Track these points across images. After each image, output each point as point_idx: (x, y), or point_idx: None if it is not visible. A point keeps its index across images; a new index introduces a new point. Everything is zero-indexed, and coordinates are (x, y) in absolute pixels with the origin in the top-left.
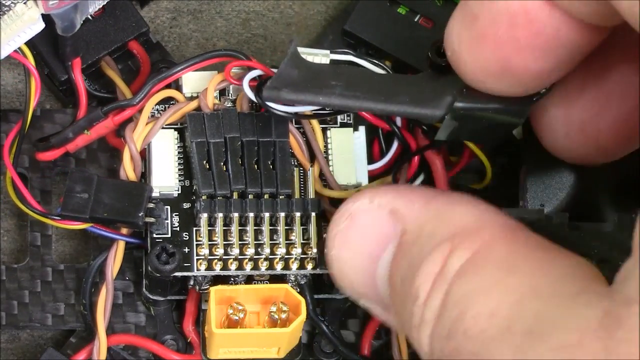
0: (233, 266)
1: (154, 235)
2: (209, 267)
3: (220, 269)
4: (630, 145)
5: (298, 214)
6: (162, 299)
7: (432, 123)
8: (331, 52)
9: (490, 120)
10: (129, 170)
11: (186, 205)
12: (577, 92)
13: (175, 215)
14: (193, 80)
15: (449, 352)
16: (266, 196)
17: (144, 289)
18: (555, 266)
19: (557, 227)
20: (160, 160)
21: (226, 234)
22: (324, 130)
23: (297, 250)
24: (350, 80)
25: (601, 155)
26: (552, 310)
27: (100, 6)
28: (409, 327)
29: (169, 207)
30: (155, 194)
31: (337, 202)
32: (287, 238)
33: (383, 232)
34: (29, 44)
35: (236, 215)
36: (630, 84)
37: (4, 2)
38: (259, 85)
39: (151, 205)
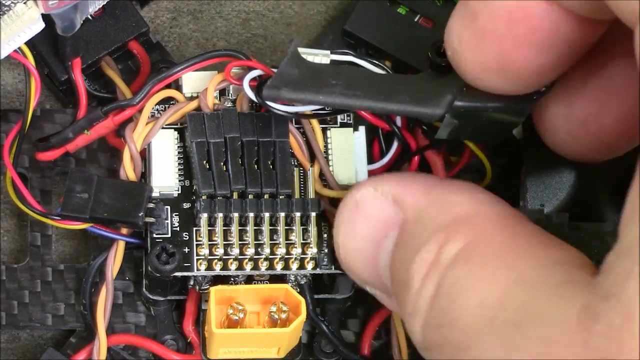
0: (233, 266)
1: (154, 235)
2: (209, 267)
3: (220, 269)
4: (633, 141)
5: (298, 214)
6: (162, 299)
7: (432, 122)
8: (331, 53)
9: (491, 119)
10: (129, 170)
11: (186, 205)
12: (578, 89)
13: (175, 215)
14: (193, 80)
15: (440, 341)
16: (266, 196)
17: (144, 289)
18: (544, 256)
19: (557, 227)
20: (160, 160)
21: (226, 234)
22: (324, 130)
23: (297, 250)
24: (350, 79)
25: (604, 151)
26: (536, 301)
27: (100, 6)
28: (403, 314)
29: (169, 207)
30: (155, 194)
31: (337, 202)
32: (287, 238)
33: (386, 219)
34: (29, 44)
35: (236, 215)
36: (631, 79)
37: (4, 2)
38: (259, 84)
39: (151, 205)
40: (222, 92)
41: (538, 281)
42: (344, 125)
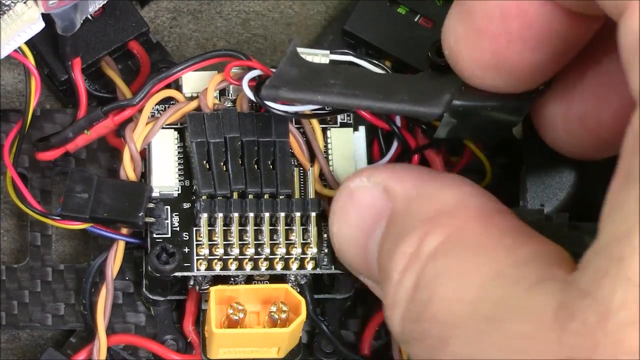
0: (233, 266)
1: (154, 235)
2: (209, 267)
3: (220, 269)
4: None
5: (298, 214)
6: (162, 299)
7: (431, 121)
8: (331, 53)
9: (490, 118)
10: (129, 170)
11: (186, 205)
12: (575, 86)
13: (175, 215)
14: (193, 80)
15: (418, 335)
16: (266, 196)
17: (144, 289)
18: (523, 251)
19: (557, 227)
20: (160, 160)
21: (226, 234)
22: (324, 130)
23: (297, 250)
24: (349, 79)
25: (603, 148)
26: (512, 297)
27: (100, 6)
28: (384, 305)
29: (169, 207)
30: (155, 194)
31: None
32: (287, 238)
33: (377, 209)
34: (28, 43)
35: (236, 215)
36: None
37: (4, 1)
38: (257, 84)
39: (151, 205)
40: (222, 92)
41: (516, 277)
42: (344, 125)
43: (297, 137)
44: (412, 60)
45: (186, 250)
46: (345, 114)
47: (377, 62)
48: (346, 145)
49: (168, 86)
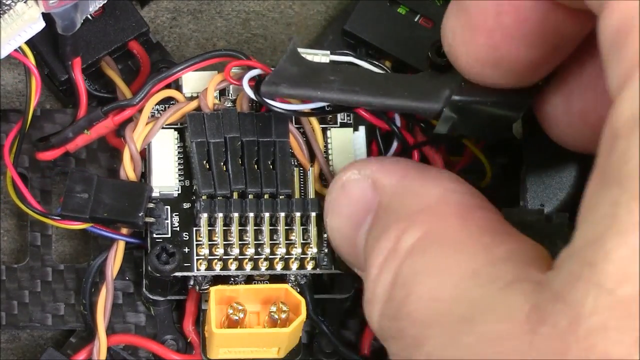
0: (233, 266)
1: (154, 235)
2: (209, 267)
3: (220, 269)
4: None
5: (298, 214)
6: (162, 299)
7: (431, 117)
8: (331, 53)
9: (489, 114)
10: (129, 170)
11: (186, 205)
12: (575, 81)
13: (175, 215)
14: (193, 80)
15: (395, 333)
16: (266, 196)
17: (144, 289)
18: (500, 249)
19: (557, 227)
20: (160, 160)
21: (226, 234)
22: (324, 130)
23: (297, 250)
24: (348, 76)
25: None
26: (487, 296)
27: (100, 5)
28: (363, 300)
29: (169, 207)
30: (155, 194)
31: None
32: (287, 238)
33: (366, 202)
34: (28, 43)
35: (236, 215)
36: None
37: (4, 1)
38: (257, 83)
39: (151, 205)
40: (222, 92)
41: (491, 276)
42: (344, 125)
43: (297, 137)
44: (412, 60)
45: (186, 250)
46: (345, 114)
47: (377, 63)
48: (346, 145)
49: (168, 86)
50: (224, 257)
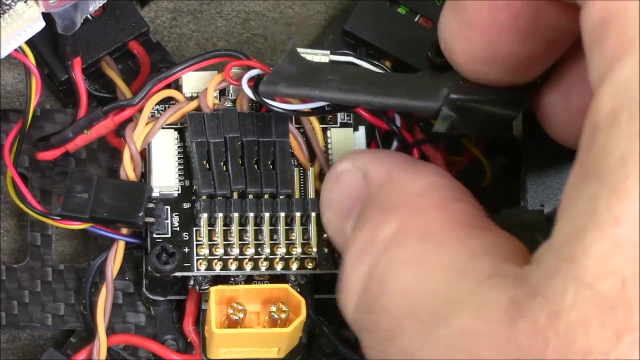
0: (233, 266)
1: (154, 235)
2: (209, 267)
3: (220, 269)
4: None
5: (298, 214)
6: (162, 299)
7: (429, 116)
8: (331, 53)
9: (488, 113)
10: (129, 170)
11: (186, 205)
12: (574, 76)
13: (175, 215)
14: (193, 80)
15: (369, 326)
16: (266, 196)
17: (144, 289)
18: (476, 243)
19: None
20: (160, 160)
21: (226, 234)
22: (324, 130)
23: (297, 250)
24: (347, 75)
25: None
26: (463, 291)
27: (100, 5)
28: (338, 289)
29: (169, 207)
30: (155, 194)
31: None
32: (287, 238)
33: (357, 193)
34: (28, 43)
35: (236, 215)
36: None
37: (4, 0)
38: (256, 82)
39: (151, 205)
40: (222, 92)
41: (468, 271)
42: (343, 125)
43: (297, 137)
44: (412, 60)
45: (186, 250)
46: (345, 114)
47: (377, 63)
48: (346, 145)
49: (168, 86)
50: (224, 257)
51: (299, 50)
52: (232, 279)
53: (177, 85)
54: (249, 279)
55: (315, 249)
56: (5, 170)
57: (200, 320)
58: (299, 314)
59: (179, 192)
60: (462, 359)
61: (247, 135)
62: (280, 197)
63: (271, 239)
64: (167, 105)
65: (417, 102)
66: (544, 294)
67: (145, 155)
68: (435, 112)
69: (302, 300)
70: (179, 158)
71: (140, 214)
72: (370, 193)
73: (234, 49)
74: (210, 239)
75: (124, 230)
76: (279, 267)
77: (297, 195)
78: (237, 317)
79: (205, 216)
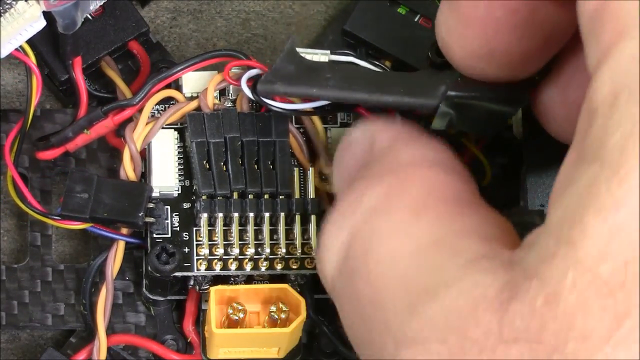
0: (233, 266)
1: (154, 235)
2: (209, 267)
3: (220, 269)
4: None
5: (298, 214)
6: (162, 299)
7: (428, 114)
8: (331, 53)
9: (486, 109)
10: (129, 170)
11: (186, 205)
12: (572, 71)
13: (175, 215)
14: (193, 80)
15: (350, 294)
16: (266, 196)
17: (144, 289)
18: (464, 220)
19: None
20: (160, 160)
21: (226, 233)
22: (324, 130)
23: (297, 250)
24: (345, 74)
25: None
26: (450, 269)
27: (101, 4)
28: (316, 249)
29: (169, 207)
30: (155, 194)
31: None
32: (287, 238)
33: (363, 159)
34: (29, 43)
35: (236, 215)
36: None
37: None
38: (255, 82)
39: (151, 205)
40: (222, 92)
41: (454, 248)
42: (343, 125)
43: (297, 137)
44: (412, 60)
45: (186, 250)
46: (345, 114)
47: (377, 63)
48: None
49: (168, 86)
50: (224, 257)
51: (299, 50)
52: (232, 279)
53: (177, 85)
54: (249, 279)
55: (315, 249)
56: (6, 170)
57: (200, 320)
58: (299, 314)
59: (179, 192)
60: (450, 339)
61: (247, 135)
62: (280, 197)
63: (271, 239)
64: (167, 105)
65: (415, 100)
66: (541, 276)
67: (145, 155)
68: (434, 109)
69: (302, 300)
70: (179, 158)
71: (140, 214)
72: (370, 160)
73: (234, 49)
74: (210, 239)
75: (124, 230)
76: (279, 267)
77: (297, 195)
78: (237, 317)
79: (205, 216)
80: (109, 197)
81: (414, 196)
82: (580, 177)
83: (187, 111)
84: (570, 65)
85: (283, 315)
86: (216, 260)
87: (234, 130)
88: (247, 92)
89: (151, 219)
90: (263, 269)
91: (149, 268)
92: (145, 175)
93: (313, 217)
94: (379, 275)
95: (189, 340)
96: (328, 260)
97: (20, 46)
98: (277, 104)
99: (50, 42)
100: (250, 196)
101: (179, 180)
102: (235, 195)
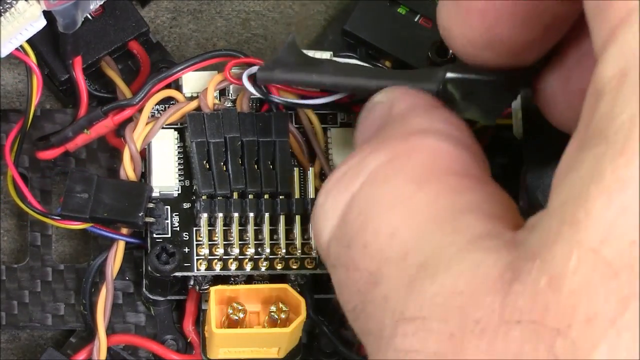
0: (233, 266)
1: (154, 235)
2: (209, 267)
3: (220, 269)
4: None
5: (298, 214)
6: (162, 299)
7: None
8: (334, 56)
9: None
10: (129, 170)
11: (186, 205)
12: (573, 59)
13: (175, 215)
14: (193, 80)
15: (346, 262)
16: (266, 196)
17: (144, 289)
18: (467, 196)
19: None
20: (160, 160)
21: (226, 233)
22: (324, 130)
23: (297, 251)
24: (344, 64)
25: None
26: (450, 247)
27: (101, 3)
28: (312, 212)
29: (169, 207)
30: (155, 194)
31: None
32: (287, 238)
33: (381, 125)
34: (29, 43)
35: (236, 215)
36: None
37: None
38: (254, 74)
39: (151, 205)
40: (222, 92)
41: (456, 225)
42: (344, 124)
43: (297, 137)
44: (412, 60)
45: (186, 250)
46: (345, 114)
47: (378, 65)
48: (346, 145)
49: (168, 86)
50: (224, 257)
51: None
52: (232, 279)
53: (177, 85)
54: (249, 279)
55: (315, 249)
56: (6, 170)
57: (200, 320)
58: (299, 314)
59: (179, 192)
60: (452, 318)
61: (247, 135)
62: (280, 197)
63: (271, 238)
64: (167, 105)
65: (415, 85)
66: (544, 257)
67: (145, 155)
68: (434, 94)
69: (302, 300)
70: (179, 158)
71: (140, 214)
72: (384, 125)
73: (234, 49)
74: (210, 239)
75: (124, 230)
76: (279, 267)
77: (297, 195)
78: (237, 317)
79: (205, 216)
80: (109, 197)
81: (418, 166)
82: (584, 160)
83: (187, 111)
84: (572, 54)
85: (283, 315)
86: (216, 260)
87: (234, 130)
88: (249, 87)
89: (151, 219)
90: (263, 269)
91: (149, 268)
92: (145, 175)
93: None
94: (377, 247)
95: (189, 340)
96: (324, 223)
97: (21, 46)
98: (278, 98)
99: (50, 42)
100: (250, 196)
101: (179, 180)
102: (235, 195)
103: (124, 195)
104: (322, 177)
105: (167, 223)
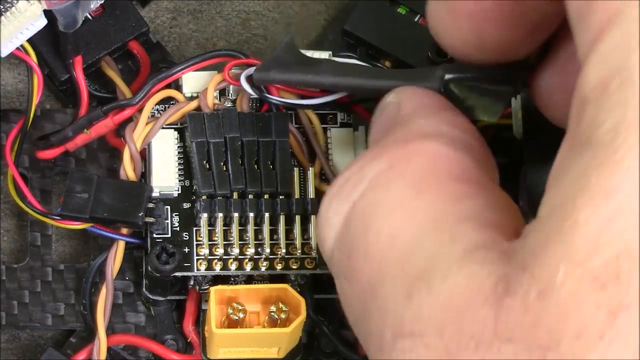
0: (233, 266)
1: (154, 235)
2: (209, 267)
3: (220, 269)
4: None
5: (298, 214)
6: (162, 299)
7: None
8: (334, 56)
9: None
10: (129, 170)
11: (186, 205)
12: (568, 56)
13: (175, 215)
14: (193, 80)
15: (349, 273)
16: (266, 196)
17: (144, 289)
18: (468, 201)
19: None
20: (160, 160)
21: (226, 233)
22: (324, 130)
23: (297, 250)
24: (342, 64)
25: None
26: (447, 256)
27: (101, 2)
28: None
29: (169, 207)
30: (155, 194)
31: None
32: (287, 238)
33: (387, 125)
34: (29, 42)
35: (236, 215)
36: None
37: None
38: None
39: (151, 205)
40: (222, 92)
41: (452, 234)
42: (343, 125)
43: (297, 137)
44: (412, 60)
45: (186, 250)
46: (345, 114)
47: (378, 65)
48: (346, 145)
49: (168, 86)
50: (224, 257)
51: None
52: (232, 279)
53: (177, 85)
54: (249, 279)
55: (315, 249)
56: (6, 170)
57: (200, 320)
58: (299, 314)
59: (179, 192)
60: (447, 333)
61: (247, 135)
62: (280, 197)
63: (271, 238)
64: (167, 105)
65: (414, 84)
66: (533, 270)
67: (145, 155)
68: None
69: (302, 300)
70: (179, 158)
71: (140, 214)
72: (391, 127)
73: (234, 49)
74: (210, 239)
75: (124, 230)
76: (279, 267)
77: (297, 195)
78: (237, 317)
79: (205, 216)
80: (109, 197)
81: (418, 170)
82: (572, 167)
83: (187, 111)
84: (567, 50)
85: (283, 315)
86: (216, 260)
87: (234, 130)
88: (247, 88)
89: (151, 219)
90: (263, 269)
91: (149, 268)
92: (145, 175)
93: (313, 217)
94: (377, 254)
95: (189, 340)
96: (327, 232)
97: (21, 45)
98: (276, 98)
99: (50, 42)
100: (250, 196)
101: (179, 180)
102: (235, 195)
103: (124, 195)
104: (322, 177)
105: (167, 223)
